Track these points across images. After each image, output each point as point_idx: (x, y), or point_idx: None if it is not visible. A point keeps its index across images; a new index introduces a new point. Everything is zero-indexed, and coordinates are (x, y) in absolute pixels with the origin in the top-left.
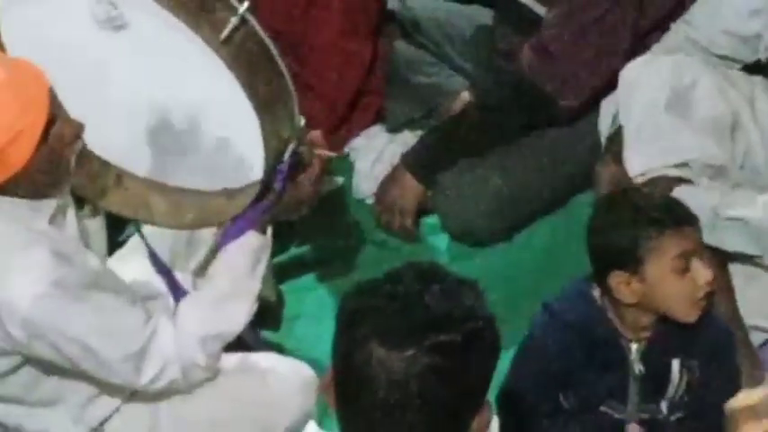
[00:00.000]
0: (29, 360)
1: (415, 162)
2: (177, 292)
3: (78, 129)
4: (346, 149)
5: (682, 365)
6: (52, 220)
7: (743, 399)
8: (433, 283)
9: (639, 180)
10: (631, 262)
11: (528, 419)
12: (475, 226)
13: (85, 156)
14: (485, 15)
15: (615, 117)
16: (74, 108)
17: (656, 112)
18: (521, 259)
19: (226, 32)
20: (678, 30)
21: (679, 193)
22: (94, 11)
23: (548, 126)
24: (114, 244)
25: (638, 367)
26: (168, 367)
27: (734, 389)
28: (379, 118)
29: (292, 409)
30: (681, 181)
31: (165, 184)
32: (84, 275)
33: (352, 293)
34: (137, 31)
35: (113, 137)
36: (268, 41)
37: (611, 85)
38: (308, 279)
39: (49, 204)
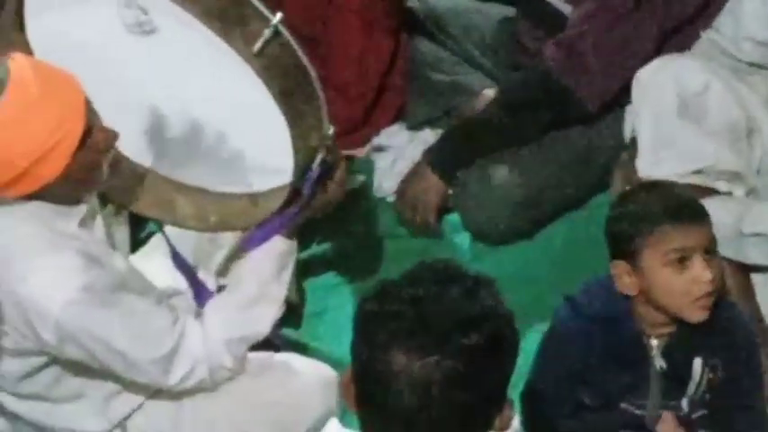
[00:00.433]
0: (56, 359)
1: (437, 159)
2: (200, 290)
3: (113, 137)
4: (367, 147)
5: (705, 364)
6: (82, 224)
7: None
8: (451, 285)
9: None
10: (629, 252)
11: (550, 415)
12: (496, 225)
13: (118, 161)
14: (506, 12)
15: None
16: (100, 111)
17: (668, 118)
18: (541, 258)
19: (259, 44)
20: (708, 37)
21: None
22: (123, 15)
23: (570, 126)
24: (136, 241)
25: (659, 363)
26: (197, 367)
27: (757, 389)
28: (399, 116)
29: (313, 410)
30: (698, 188)
31: (191, 187)
32: (113, 278)
33: (369, 297)
34: (165, 37)
35: (139, 141)
36: (300, 53)
37: None
38: (330, 277)
39: (80, 208)
